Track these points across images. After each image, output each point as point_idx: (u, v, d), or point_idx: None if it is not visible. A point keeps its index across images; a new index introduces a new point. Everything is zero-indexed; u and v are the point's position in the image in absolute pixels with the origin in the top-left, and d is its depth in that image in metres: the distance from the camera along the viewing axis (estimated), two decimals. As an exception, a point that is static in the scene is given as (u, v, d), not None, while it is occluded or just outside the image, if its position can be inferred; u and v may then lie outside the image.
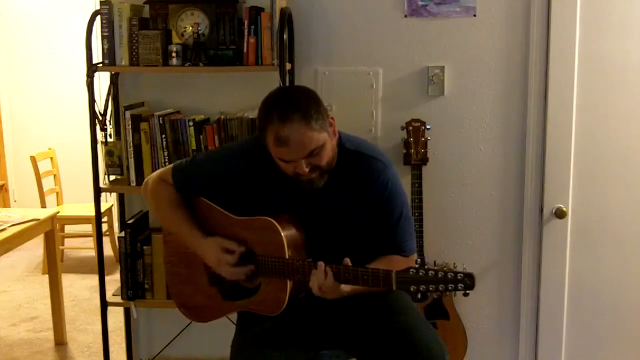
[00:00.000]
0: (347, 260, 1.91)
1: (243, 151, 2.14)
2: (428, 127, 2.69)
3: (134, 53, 2.61)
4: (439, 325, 2.71)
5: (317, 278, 1.90)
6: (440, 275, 1.75)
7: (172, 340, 2.98)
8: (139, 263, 2.74)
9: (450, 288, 1.75)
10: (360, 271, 1.87)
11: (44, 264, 4.87)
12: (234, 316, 2.22)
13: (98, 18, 2.61)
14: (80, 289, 4.72)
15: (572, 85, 2.66)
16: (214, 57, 2.60)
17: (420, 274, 1.77)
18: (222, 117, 2.64)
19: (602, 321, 2.83)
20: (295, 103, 1.92)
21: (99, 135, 2.76)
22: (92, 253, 5.18)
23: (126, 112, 2.65)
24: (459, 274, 1.74)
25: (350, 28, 2.76)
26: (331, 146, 1.98)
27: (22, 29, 6.08)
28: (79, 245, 5.55)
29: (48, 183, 5.19)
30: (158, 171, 2.27)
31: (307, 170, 1.93)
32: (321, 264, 1.91)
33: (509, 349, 2.93)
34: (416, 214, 2.62)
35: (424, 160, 2.69)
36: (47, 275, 3.90)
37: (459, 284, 1.74)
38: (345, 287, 1.93)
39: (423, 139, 2.68)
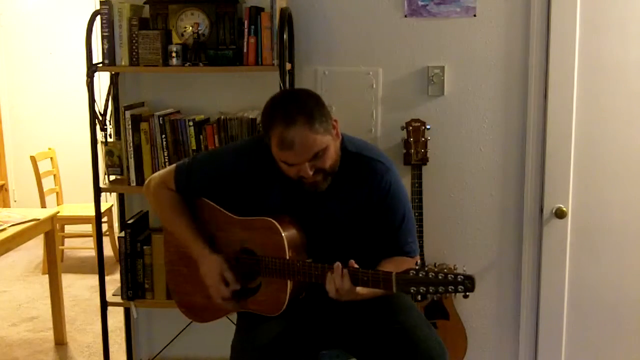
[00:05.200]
0: (352, 262, 1.89)
1: (245, 151, 2.14)
2: (428, 127, 2.69)
3: (134, 53, 2.61)
4: (439, 325, 2.71)
5: (334, 280, 1.88)
6: (440, 277, 1.74)
7: (172, 340, 2.98)
8: (139, 263, 2.74)
9: (450, 290, 1.74)
10: (361, 273, 1.86)
11: (44, 264, 4.87)
12: (234, 316, 2.22)
13: (98, 18, 2.61)
14: (80, 289, 4.72)
15: (572, 85, 2.66)
16: (214, 57, 2.60)
17: (420, 275, 1.76)
18: (222, 117, 2.64)
19: (602, 321, 2.83)
20: (298, 106, 1.91)
21: (99, 135, 2.76)
22: (92, 253, 5.18)
23: (126, 112, 2.65)
24: (459, 276, 1.73)
25: (350, 28, 2.76)
26: (335, 149, 1.98)
27: (22, 29, 6.08)
28: (79, 245, 5.55)
29: (48, 183, 5.18)
30: (160, 172, 2.26)
31: (311, 173, 1.93)
32: (338, 265, 1.88)
33: (509, 349, 2.93)
34: (416, 214, 2.62)
35: (424, 160, 2.69)
36: (47, 275, 3.90)
37: (459, 286, 1.73)
38: (362, 290, 1.90)
39: (423, 139, 2.68)
